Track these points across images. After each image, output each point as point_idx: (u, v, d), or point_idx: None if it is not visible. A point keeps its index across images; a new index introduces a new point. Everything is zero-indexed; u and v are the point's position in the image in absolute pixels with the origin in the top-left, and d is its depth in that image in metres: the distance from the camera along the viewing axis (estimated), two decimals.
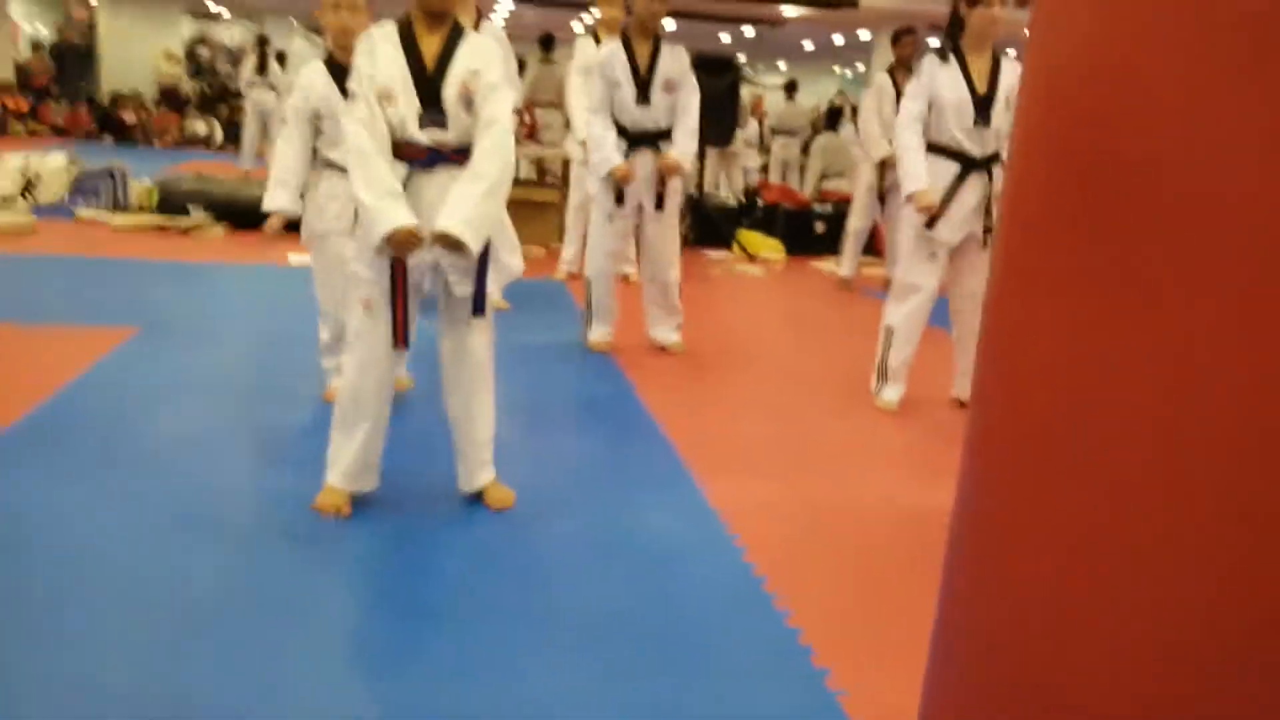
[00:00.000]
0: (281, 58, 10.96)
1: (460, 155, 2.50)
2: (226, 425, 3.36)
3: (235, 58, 18.23)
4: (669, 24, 9.67)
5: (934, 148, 3.80)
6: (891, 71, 6.35)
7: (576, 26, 14.40)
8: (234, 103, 16.04)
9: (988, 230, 3.78)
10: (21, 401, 3.32)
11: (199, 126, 15.44)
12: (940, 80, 3.76)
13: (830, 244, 8.13)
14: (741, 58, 17.68)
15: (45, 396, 3.40)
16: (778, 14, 9.65)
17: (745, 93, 11.40)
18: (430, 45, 2.49)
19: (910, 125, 3.77)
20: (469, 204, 2.42)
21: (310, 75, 3.30)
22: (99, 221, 7.20)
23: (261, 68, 10.72)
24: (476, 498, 2.78)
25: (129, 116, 15.24)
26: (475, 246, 2.44)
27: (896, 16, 8.75)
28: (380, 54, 2.45)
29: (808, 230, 8.50)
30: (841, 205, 8.67)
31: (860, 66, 18.85)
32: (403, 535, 2.62)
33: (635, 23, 4.37)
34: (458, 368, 2.69)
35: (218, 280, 5.82)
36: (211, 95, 16.73)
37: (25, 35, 16.80)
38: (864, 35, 11.30)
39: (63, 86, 15.88)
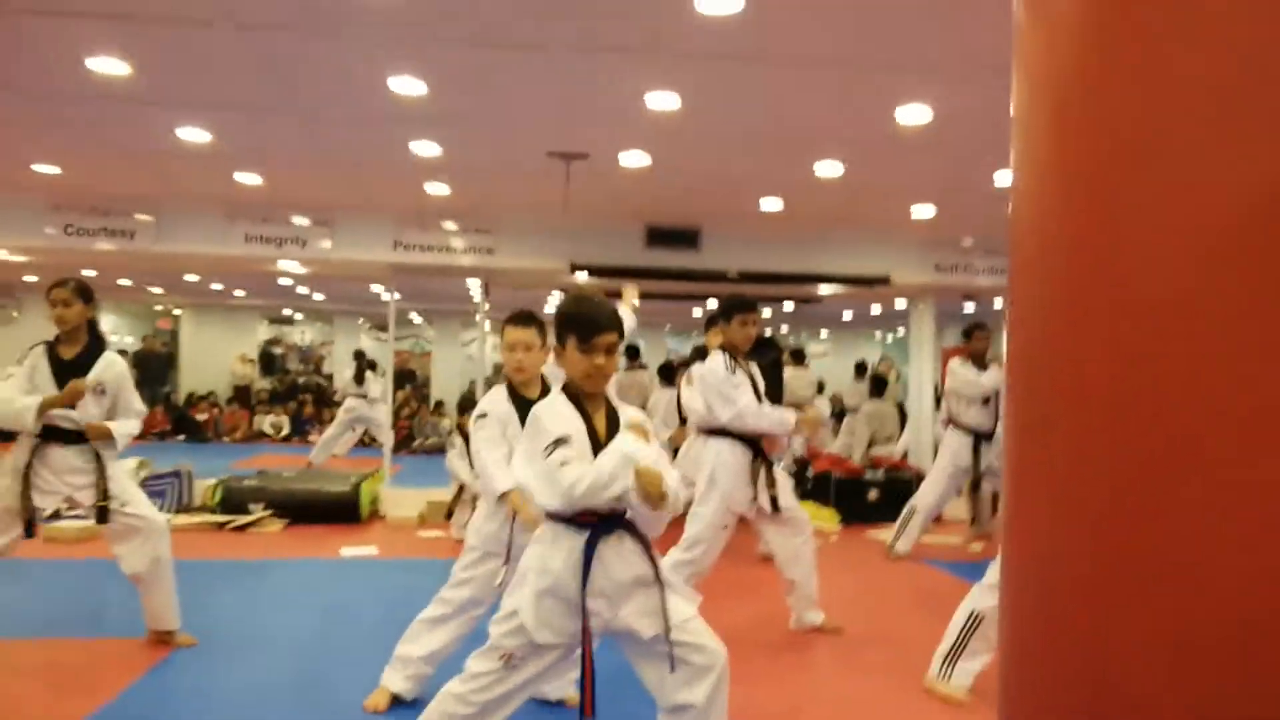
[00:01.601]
0: (374, 365, 11.66)
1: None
2: None
3: (307, 356, 19.43)
4: (710, 303, 10.18)
5: None
6: (972, 358, 6.82)
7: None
8: (302, 398, 16.89)
9: None
10: None
11: (267, 422, 16.16)
12: None
13: (885, 512, 7.99)
14: (784, 329, 18.41)
15: (86, 715, 3.32)
16: (814, 292, 10.10)
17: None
18: (600, 421, 2.55)
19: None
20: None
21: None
22: None
23: (359, 378, 11.37)
24: None
25: (202, 415, 16.05)
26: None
27: (928, 289, 9.10)
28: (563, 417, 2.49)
29: (861, 498, 8.40)
30: (892, 472, 8.63)
31: (900, 330, 19.45)
32: None
33: (729, 345, 4.68)
34: None
35: (272, 577, 5.83)
36: (281, 391, 17.64)
37: (112, 345, 18.19)
38: (900, 304, 11.74)
39: (143, 391, 16.90)
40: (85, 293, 4.13)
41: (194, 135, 5.82)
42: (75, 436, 4.06)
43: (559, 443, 2.39)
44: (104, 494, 4.03)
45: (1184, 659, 1.08)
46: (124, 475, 4.21)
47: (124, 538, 4.11)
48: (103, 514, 4.04)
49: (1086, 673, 1.17)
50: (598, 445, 2.47)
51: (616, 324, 2.53)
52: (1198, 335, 1.07)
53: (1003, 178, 6.47)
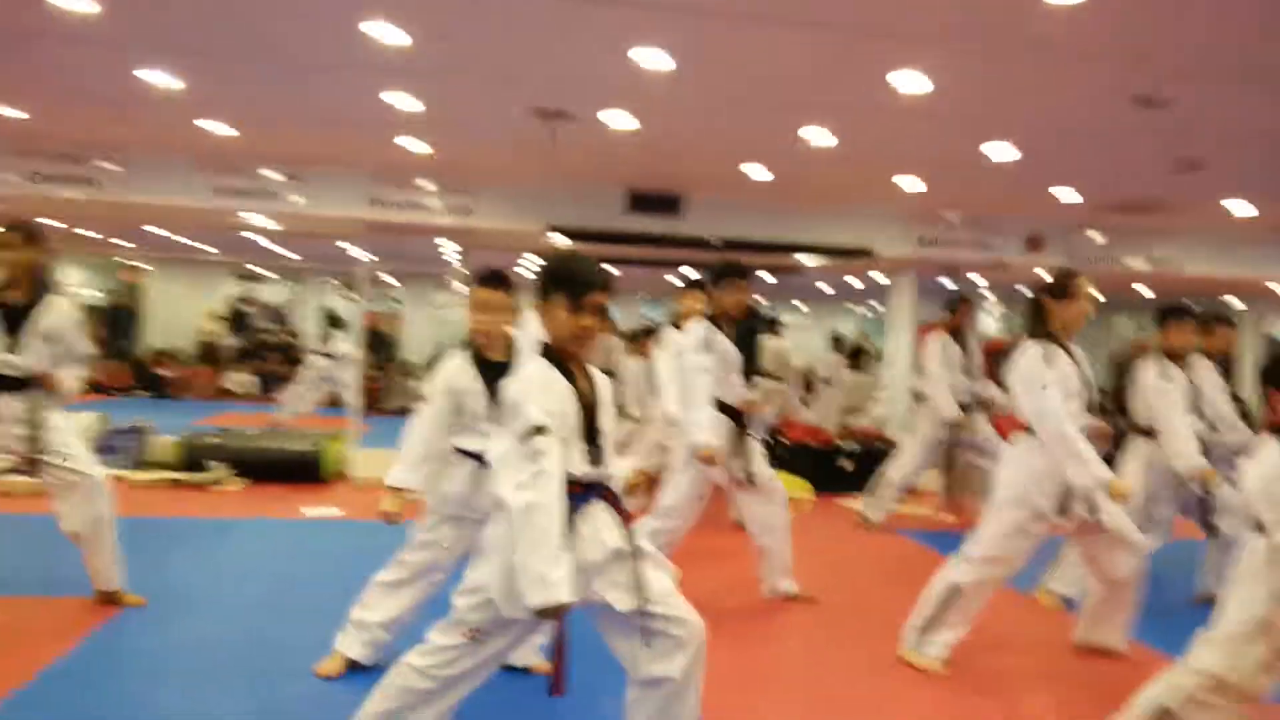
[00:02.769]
0: (340, 323, 11.47)
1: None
2: (217, 711, 3.08)
3: (276, 315, 19.09)
4: (689, 272, 10.05)
5: None
6: (952, 332, 6.65)
7: None
8: (270, 356, 16.61)
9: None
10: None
11: (234, 380, 15.89)
12: (1065, 373, 3.71)
13: (858, 482, 7.94)
14: (761, 300, 18.33)
15: (24, 681, 3.17)
16: (797, 263, 9.99)
17: None
18: (584, 382, 2.42)
19: (1069, 420, 3.62)
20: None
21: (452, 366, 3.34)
22: (118, 479, 7.17)
23: (325, 336, 11.19)
24: None
25: (166, 372, 15.75)
26: None
27: (910, 263, 9.01)
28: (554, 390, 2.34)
29: (835, 468, 8.34)
30: (868, 443, 8.57)
31: (877, 305, 19.43)
32: None
33: (720, 311, 4.52)
34: None
35: (230, 537, 5.67)
36: (250, 350, 17.34)
37: (76, 298, 17.79)
38: (879, 279, 11.70)
39: (109, 346, 16.57)
40: (31, 236, 3.92)
41: (163, 80, 5.58)
42: (17, 384, 3.87)
43: (538, 430, 2.23)
44: (37, 445, 3.83)
45: None
46: (67, 428, 4.01)
47: (63, 494, 3.93)
48: (33, 465, 3.85)
49: None
50: (586, 408, 2.36)
51: (607, 283, 2.39)
52: None
53: (995, 151, 6.36)
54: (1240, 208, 8.05)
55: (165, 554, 5.07)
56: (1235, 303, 13.94)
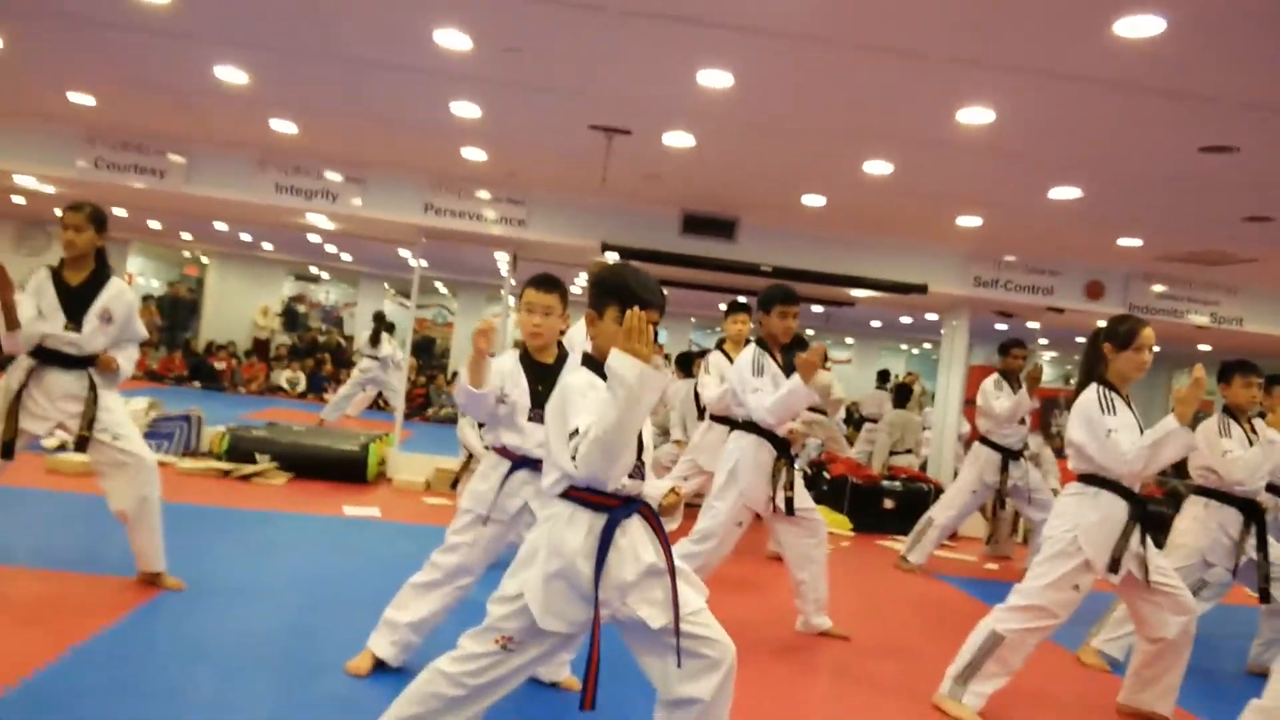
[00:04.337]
0: (391, 328, 11.59)
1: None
2: (241, 701, 3.10)
3: (329, 315, 19.39)
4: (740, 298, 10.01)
5: (1111, 485, 3.65)
6: (1005, 375, 6.70)
7: None
8: (321, 355, 16.85)
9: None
10: (31, 658, 3.13)
11: (284, 377, 16.14)
12: (1129, 421, 3.63)
13: (899, 522, 7.81)
14: (809, 333, 18.18)
15: (58, 654, 3.21)
16: (847, 295, 9.90)
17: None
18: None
19: (1139, 446, 3.52)
20: None
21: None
22: (166, 465, 7.30)
23: (375, 339, 11.29)
24: None
25: (220, 364, 16.04)
26: None
27: (965, 302, 8.87)
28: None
29: (876, 506, 8.21)
30: (912, 483, 8.43)
31: (926, 345, 19.15)
32: None
33: (768, 335, 4.50)
34: None
35: (271, 529, 5.72)
36: (301, 347, 17.62)
37: (138, 287, 18.19)
38: (930, 316, 11.52)
39: (165, 335, 16.93)
40: (98, 220, 4.02)
41: (231, 75, 5.70)
42: (74, 362, 3.95)
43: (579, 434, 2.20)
44: (89, 423, 3.90)
45: None
46: (120, 409, 4.08)
47: (112, 473, 3.99)
48: (82, 443, 3.92)
49: None
50: None
51: (662, 301, 2.36)
52: None
53: (1058, 191, 6.25)
54: None
55: (207, 541, 5.13)
56: None
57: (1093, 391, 3.66)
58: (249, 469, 7.31)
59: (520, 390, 3.26)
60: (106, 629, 3.54)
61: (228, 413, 10.29)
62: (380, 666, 3.40)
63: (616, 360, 2.11)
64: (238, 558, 4.91)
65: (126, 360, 4.09)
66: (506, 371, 3.28)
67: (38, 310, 3.87)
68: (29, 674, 3.02)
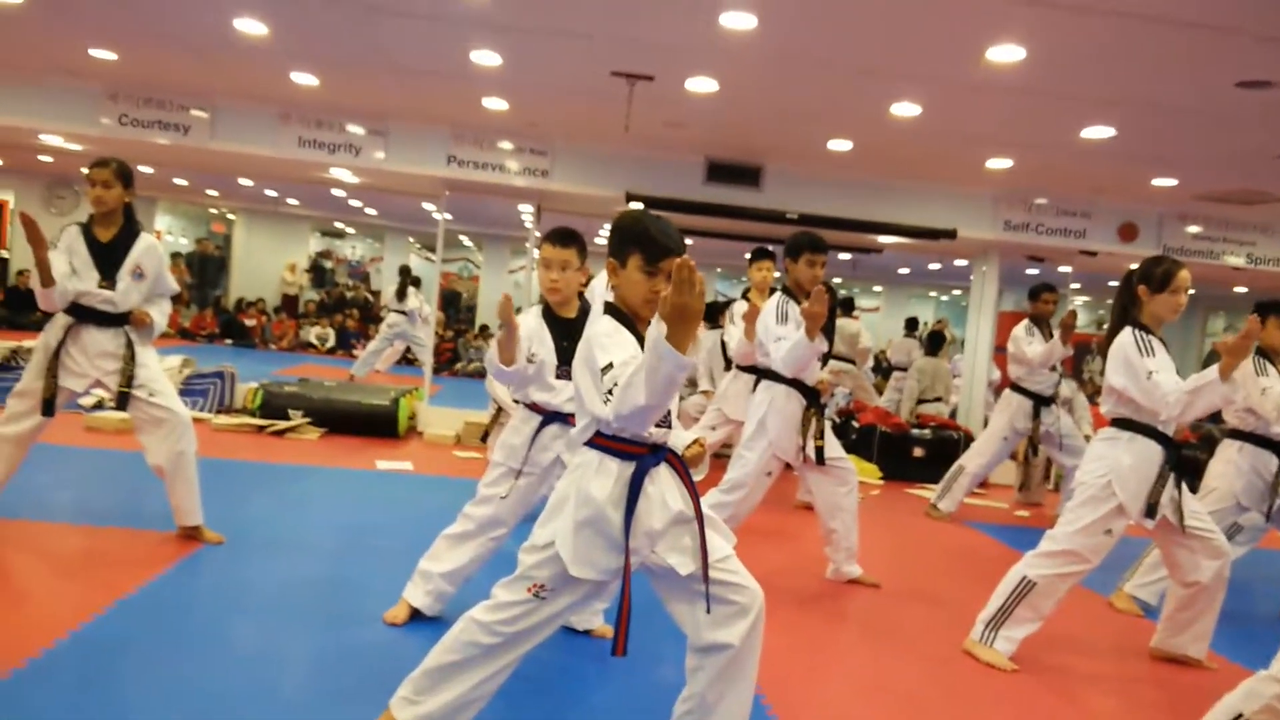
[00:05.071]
0: (417, 282, 11.62)
1: None
2: (284, 650, 3.17)
3: (355, 271, 19.48)
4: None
5: (1146, 429, 3.62)
6: (1035, 321, 6.61)
7: None
8: (349, 311, 16.96)
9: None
10: (79, 610, 3.22)
11: (313, 333, 16.28)
12: (1166, 361, 3.57)
13: (929, 470, 7.80)
14: (836, 280, 18.03)
15: (105, 606, 3.30)
16: (875, 242, 9.78)
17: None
18: None
19: (1180, 389, 3.45)
20: None
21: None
22: (201, 421, 7.41)
23: (401, 294, 11.34)
24: None
25: (250, 321, 16.20)
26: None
27: (994, 247, 8.74)
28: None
29: (905, 454, 8.20)
30: (941, 431, 8.40)
31: (956, 291, 18.94)
32: None
33: (794, 283, 4.47)
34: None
35: (306, 484, 5.81)
36: (329, 304, 17.74)
37: (167, 245, 18.35)
38: (959, 262, 11.38)
39: (195, 293, 17.10)
40: (125, 175, 4.03)
41: (250, 26, 5.66)
42: (110, 319, 4.00)
43: (610, 368, 2.17)
44: (129, 379, 3.97)
45: None
46: (156, 365, 4.14)
47: (149, 429, 4.07)
48: (124, 400, 3.98)
49: None
50: None
51: (682, 247, 2.32)
52: None
53: (1093, 132, 6.10)
54: None
55: (244, 496, 5.22)
56: None
57: (1129, 334, 3.61)
58: (283, 425, 7.41)
59: (547, 349, 3.26)
60: (150, 581, 3.63)
61: (260, 369, 10.41)
62: (416, 615, 3.46)
63: (660, 347, 1.97)
64: (275, 512, 4.99)
65: (160, 314, 4.14)
66: (531, 331, 3.27)
67: (70, 267, 3.91)
68: (77, 626, 3.10)
